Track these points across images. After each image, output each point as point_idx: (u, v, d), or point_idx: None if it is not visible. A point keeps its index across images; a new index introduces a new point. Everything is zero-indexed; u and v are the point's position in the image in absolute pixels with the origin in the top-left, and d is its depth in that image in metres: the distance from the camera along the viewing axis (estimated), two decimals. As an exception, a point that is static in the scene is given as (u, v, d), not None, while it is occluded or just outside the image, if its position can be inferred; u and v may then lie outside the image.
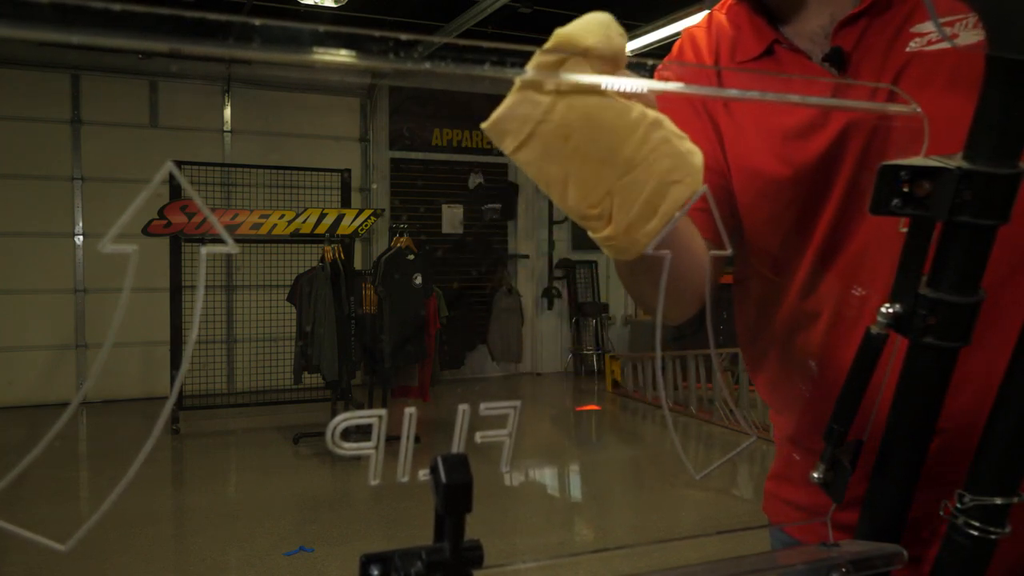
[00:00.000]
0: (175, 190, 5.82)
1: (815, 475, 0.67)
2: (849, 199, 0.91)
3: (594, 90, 0.56)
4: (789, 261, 0.98)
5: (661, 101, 1.09)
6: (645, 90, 0.58)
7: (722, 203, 0.98)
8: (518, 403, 0.52)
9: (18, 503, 3.75)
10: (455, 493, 0.46)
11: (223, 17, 0.39)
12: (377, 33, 0.43)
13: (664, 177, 0.59)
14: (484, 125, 0.59)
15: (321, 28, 0.42)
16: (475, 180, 9.16)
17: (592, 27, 0.56)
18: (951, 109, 0.62)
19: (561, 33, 0.56)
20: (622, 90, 0.57)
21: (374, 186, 8.66)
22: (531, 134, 0.57)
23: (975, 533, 0.59)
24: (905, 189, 0.57)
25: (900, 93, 0.78)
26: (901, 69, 0.87)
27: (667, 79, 1.09)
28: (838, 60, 0.92)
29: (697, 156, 0.60)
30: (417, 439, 0.49)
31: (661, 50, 7.16)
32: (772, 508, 1.12)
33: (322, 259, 5.94)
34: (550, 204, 9.09)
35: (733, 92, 1.02)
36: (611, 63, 0.57)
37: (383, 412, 0.49)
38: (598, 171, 0.58)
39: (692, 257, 0.88)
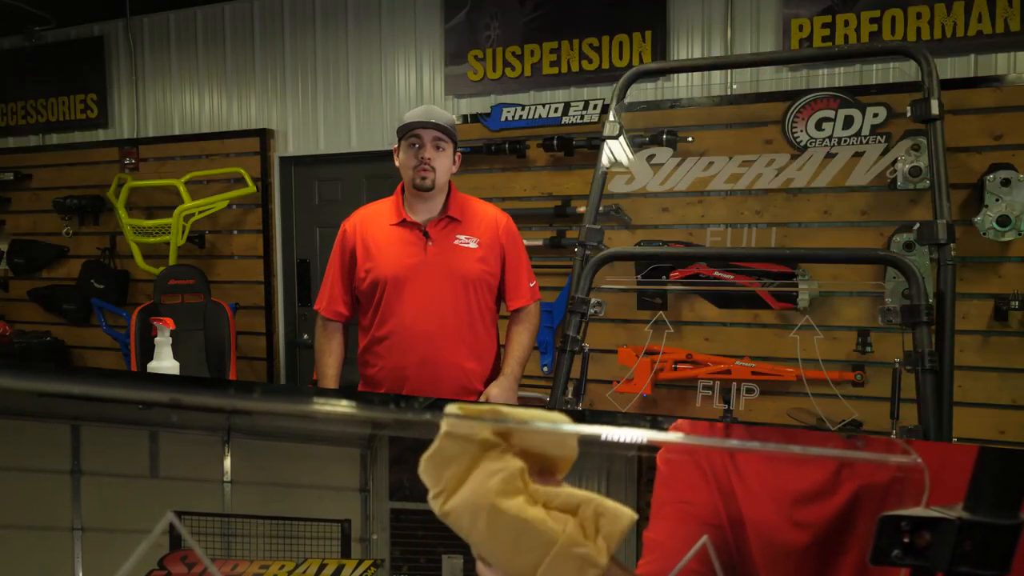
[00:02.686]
0: (175, 540, 5.63)
1: None
2: (866, 565, 0.89)
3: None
4: None
5: (671, 465, 1.11)
6: (645, 441, 0.61)
7: (720, 551, 0.98)
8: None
9: None
10: None
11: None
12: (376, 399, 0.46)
13: None
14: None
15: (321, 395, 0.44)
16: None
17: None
18: None
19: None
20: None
21: (374, 536, 8.41)
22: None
23: None
24: (906, 540, 0.56)
25: (905, 447, 0.79)
26: None
27: (675, 458, 1.12)
28: None
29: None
30: None
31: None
32: None
33: None
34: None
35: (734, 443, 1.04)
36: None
37: None
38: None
39: None
